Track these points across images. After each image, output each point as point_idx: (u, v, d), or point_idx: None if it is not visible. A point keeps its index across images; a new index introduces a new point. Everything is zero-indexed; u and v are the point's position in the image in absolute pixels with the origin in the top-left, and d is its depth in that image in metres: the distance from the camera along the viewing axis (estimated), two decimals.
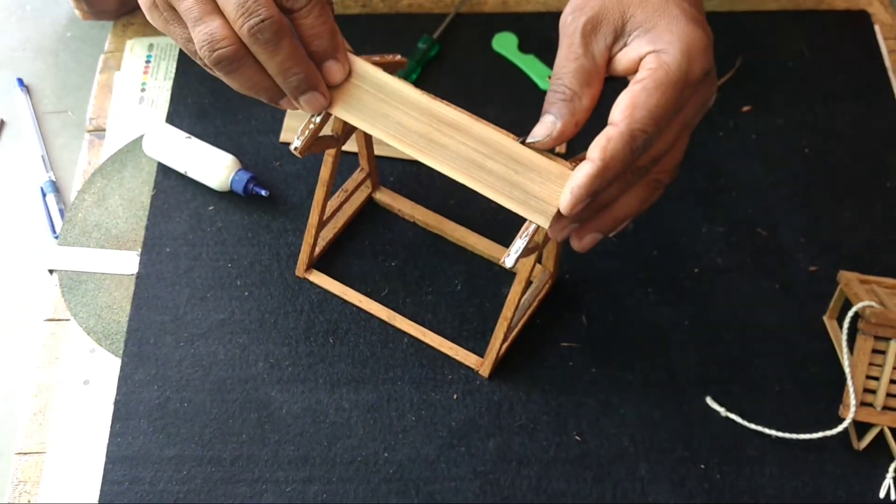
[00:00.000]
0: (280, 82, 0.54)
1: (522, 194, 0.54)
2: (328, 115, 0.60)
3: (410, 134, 0.56)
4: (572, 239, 0.56)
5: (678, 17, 0.52)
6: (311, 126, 0.59)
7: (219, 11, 0.51)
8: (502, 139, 0.55)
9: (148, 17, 0.54)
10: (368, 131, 0.58)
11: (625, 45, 0.53)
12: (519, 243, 0.55)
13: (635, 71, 0.52)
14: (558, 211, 0.53)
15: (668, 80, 0.51)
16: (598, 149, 0.50)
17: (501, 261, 0.55)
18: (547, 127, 0.53)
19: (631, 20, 0.53)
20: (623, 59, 0.53)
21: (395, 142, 0.57)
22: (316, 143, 0.61)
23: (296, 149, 0.60)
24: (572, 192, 0.51)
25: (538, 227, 0.55)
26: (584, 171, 0.51)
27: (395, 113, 0.57)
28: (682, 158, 0.56)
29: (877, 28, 0.87)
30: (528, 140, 0.54)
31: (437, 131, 0.56)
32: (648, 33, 0.52)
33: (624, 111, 0.51)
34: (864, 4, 0.88)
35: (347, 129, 0.64)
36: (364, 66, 0.58)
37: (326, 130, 0.63)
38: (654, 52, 0.52)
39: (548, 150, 0.55)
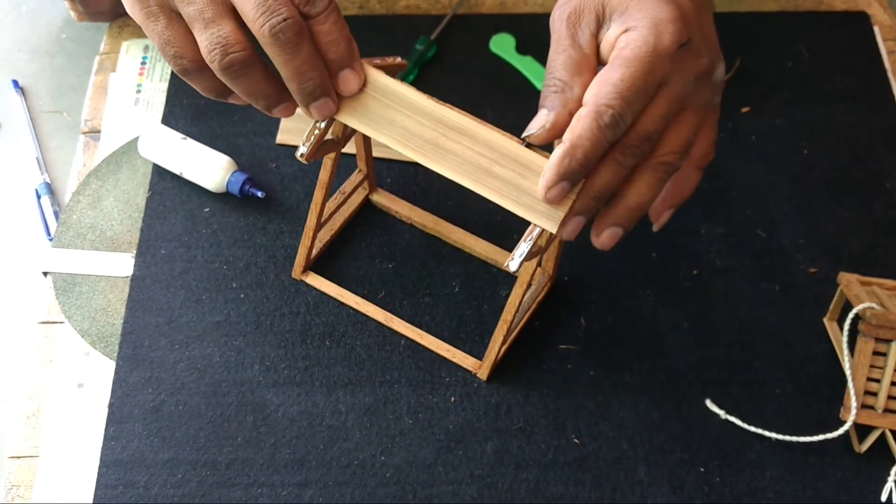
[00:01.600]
0: (294, 87, 0.53)
1: (530, 199, 0.54)
2: (332, 120, 0.59)
3: (416, 139, 0.56)
4: (591, 236, 0.55)
5: None
6: (317, 131, 0.59)
7: (231, 15, 0.50)
8: (509, 143, 0.55)
9: (127, 7, 0.52)
10: (375, 137, 0.57)
11: (607, 30, 0.54)
12: (523, 247, 0.55)
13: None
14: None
15: (635, 55, 0.51)
16: (568, 130, 0.51)
17: (505, 265, 0.55)
18: (541, 119, 0.53)
19: (608, 5, 0.53)
20: (605, 45, 0.54)
21: (402, 147, 0.56)
22: (320, 148, 0.61)
23: (302, 155, 0.59)
24: (543, 174, 0.52)
25: (542, 230, 0.55)
26: (554, 153, 0.51)
27: (400, 118, 0.56)
28: (693, 139, 0.54)
29: (876, 29, 0.87)
30: (525, 134, 0.54)
31: (443, 136, 0.56)
32: (622, 15, 0.53)
33: (591, 90, 0.51)
34: (864, 6, 0.88)
35: (348, 133, 0.64)
36: (367, 70, 0.57)
37: (328, 134, 0.62)
38: (625, 31, 0.52)
39: (547, 150, 0.54)
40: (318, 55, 0.52)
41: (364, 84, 0.56)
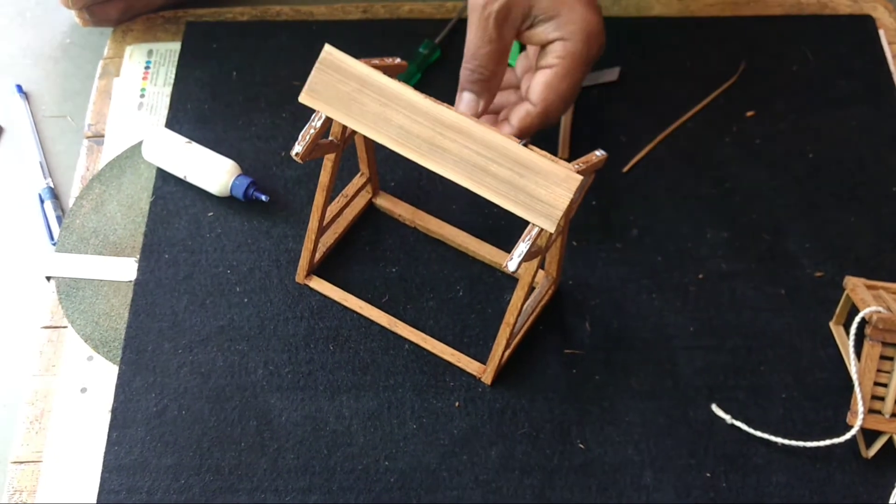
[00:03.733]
0: None
1: (527, 198, 0.54)
2: (329, 120, 0.59)
3: (413, 138, 0.56)
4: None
5: (575, 5, 0.64)
6: (312, 130, 0.59)
7: None
8: (505, 142, 0.55)
9: None
10: (370, 136, 0.57)
11: (531, 25, 0.65)
12: (522, 247, 0.54)
13: (542, 46, 0.66)
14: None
15: (575, 66, 0.65)
16: (517, 119, 0.67)
17: (504, 265, 0.55)
18: (471, 105, 0.66)
19: (536, 6, 0.64)
20: (532, 37, 0.66)
21: (398, 146, 0.56)
22: (316, 149, 0.61)
23: (297, 154, 0.59)
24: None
25: (541, 230, 0.55)
26: (504, 131, 0.65)
27: (397, 117, 0.56)
28: None
29: (881, 32, 0.86)
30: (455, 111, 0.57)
31: (439, 135, 0.56)
32: (552, 20, 0.64)
33: (541, 94, 0.65)
34: (869, 9, 0.88)
35: (347, 134, 0.63)
36: (365, 70, 0.57)
37: (328, 136, 0.62)
38: (560, 39, 0.65)
39: (546, 149, 0.54)
40: None
41: (351, 78, 0.56)
